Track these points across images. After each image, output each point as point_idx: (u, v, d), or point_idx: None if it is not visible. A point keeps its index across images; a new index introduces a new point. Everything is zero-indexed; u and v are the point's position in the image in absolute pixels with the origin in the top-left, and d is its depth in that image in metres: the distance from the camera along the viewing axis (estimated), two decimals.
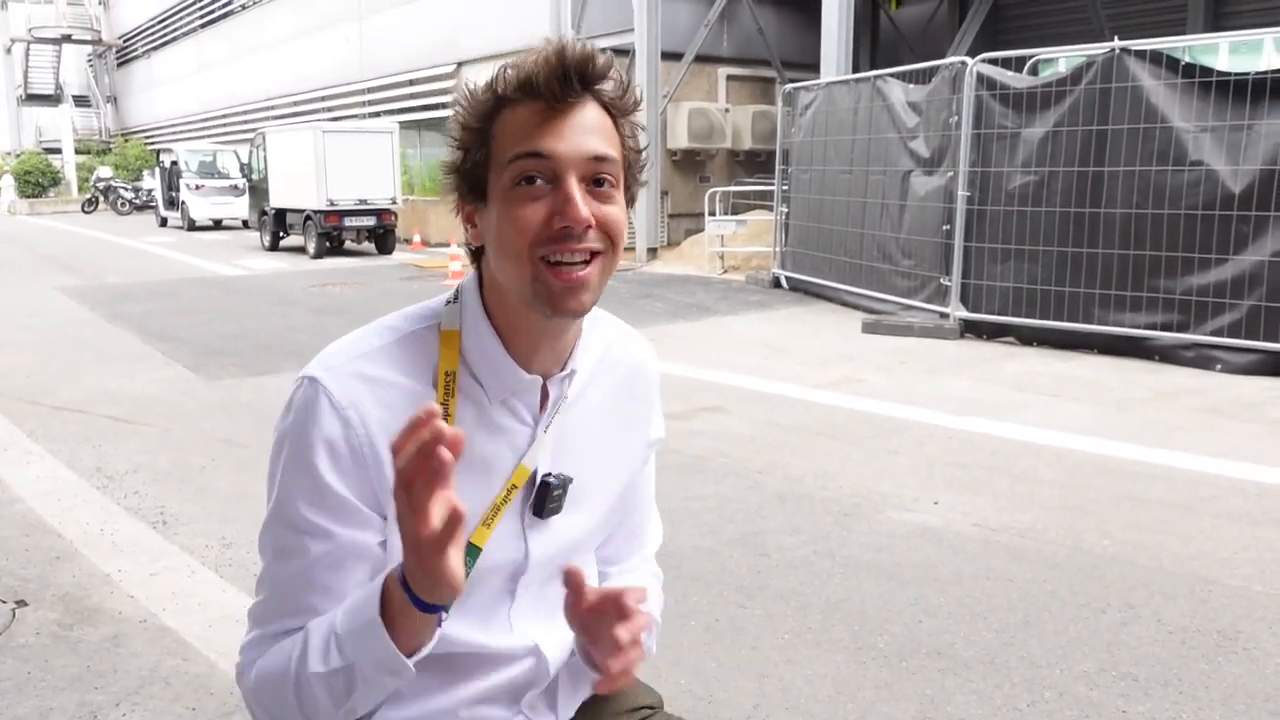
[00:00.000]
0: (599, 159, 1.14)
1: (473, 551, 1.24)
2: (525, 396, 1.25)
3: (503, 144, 1.14)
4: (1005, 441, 5.64)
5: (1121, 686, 2.98)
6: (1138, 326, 7.87)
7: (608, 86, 1.16)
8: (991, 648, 3.23)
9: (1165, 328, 7.72)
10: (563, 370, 1.26)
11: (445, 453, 0.92)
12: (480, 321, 1.22)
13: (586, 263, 1.14)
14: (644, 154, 1.23)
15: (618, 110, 1.18)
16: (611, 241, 1.16)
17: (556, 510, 1.27)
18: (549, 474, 1.26)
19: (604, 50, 1.18)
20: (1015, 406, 6.48)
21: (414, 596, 1.02)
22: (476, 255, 1.24)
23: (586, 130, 1.14)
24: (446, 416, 1.19)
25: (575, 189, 1.12)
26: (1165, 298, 7.70)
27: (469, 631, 1.26)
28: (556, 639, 1.33)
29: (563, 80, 1.11)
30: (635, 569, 1.50)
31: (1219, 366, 7.38)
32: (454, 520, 0.94)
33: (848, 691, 2.97)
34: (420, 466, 0.92)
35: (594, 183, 1.15)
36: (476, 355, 1.22)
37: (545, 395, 1.26)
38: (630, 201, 1.22)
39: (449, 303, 1.26)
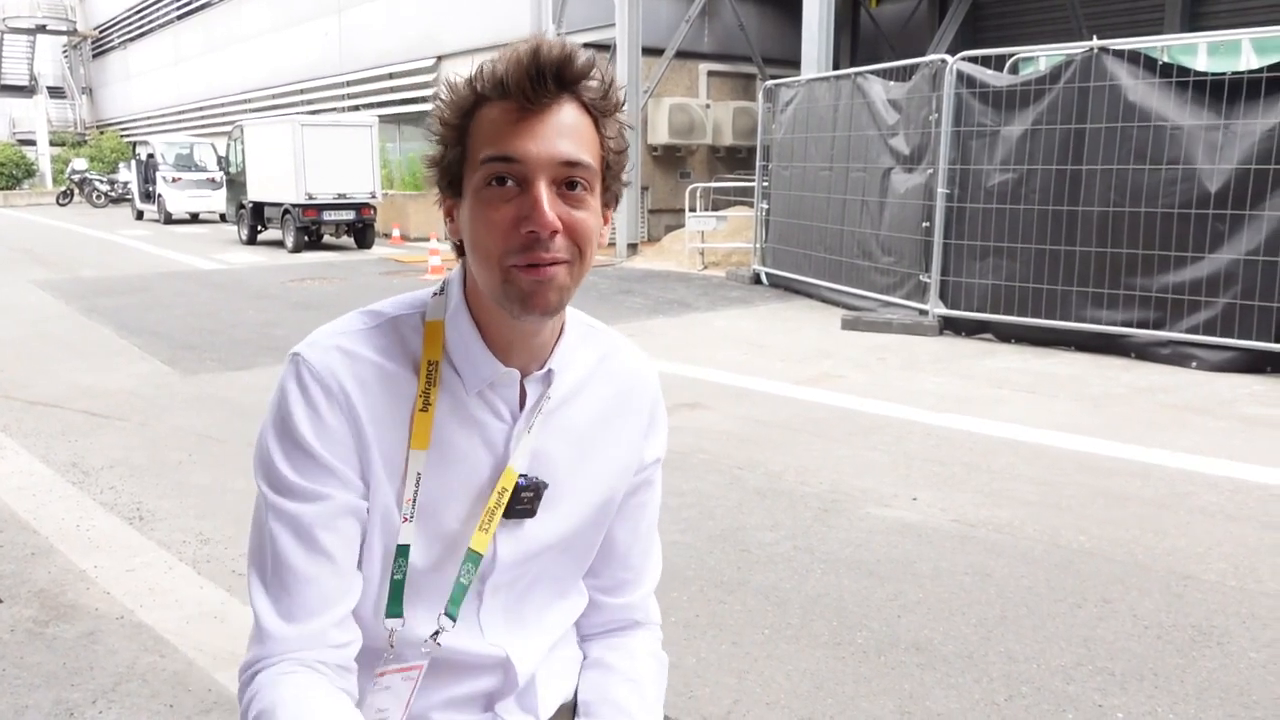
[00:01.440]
0: (571, 163, 1.12)
1: (473, 558, 1.24)
2: (503, 391, 1.25)
3: (477, 143, 1.14)
4: (983, 438, 5.68)
5: (1098, 681, 3.00)
6: (1115, 324, 7.93)
7: (590, 86, 1.14)
8: (970, 643, 3.25)
9: (1142, 325, 7.78)
10: (541, 369, 1.26)
11: None
12: (461, 313, 1.23)
13: (555, 263, 1.13)
14: (626, 154, 1.21)
15: (599, 110, 1.16)
16: (580, 250, 1.15)
17: (528, 514, 1.26)
18: (522, 475, 1.26)
19: (586, 46, 1.17)
20: (993, 403, 6.52)
21: None
22: (460, 248, 1.24)
23: (560, 133, 1.12)
24: (427, 405, 1.21)
25: (543, 194, 1.11)
26: (1142, 295, 7.76)
27: (419, 626, 1.26)
28: (528, 648, 1.33)
29: (535, 81, 1.10)
30: (635, 652, 1.44)
31: (1194, 364, 7.45)
32: None
33: (827, 687, 2.99)
34: None
35: (566, 186, 1.13)
36: (456, 346, 1.23)
37: (524, 394, 1.26)
38: (614, 201, 1.22)
39: (436, 294, 1.27)
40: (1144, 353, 7.78)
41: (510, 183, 1.12)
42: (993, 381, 7.20)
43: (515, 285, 1.13)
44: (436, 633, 1.25)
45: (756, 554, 4.01)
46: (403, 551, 1.22)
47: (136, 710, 2.82)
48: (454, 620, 1.25)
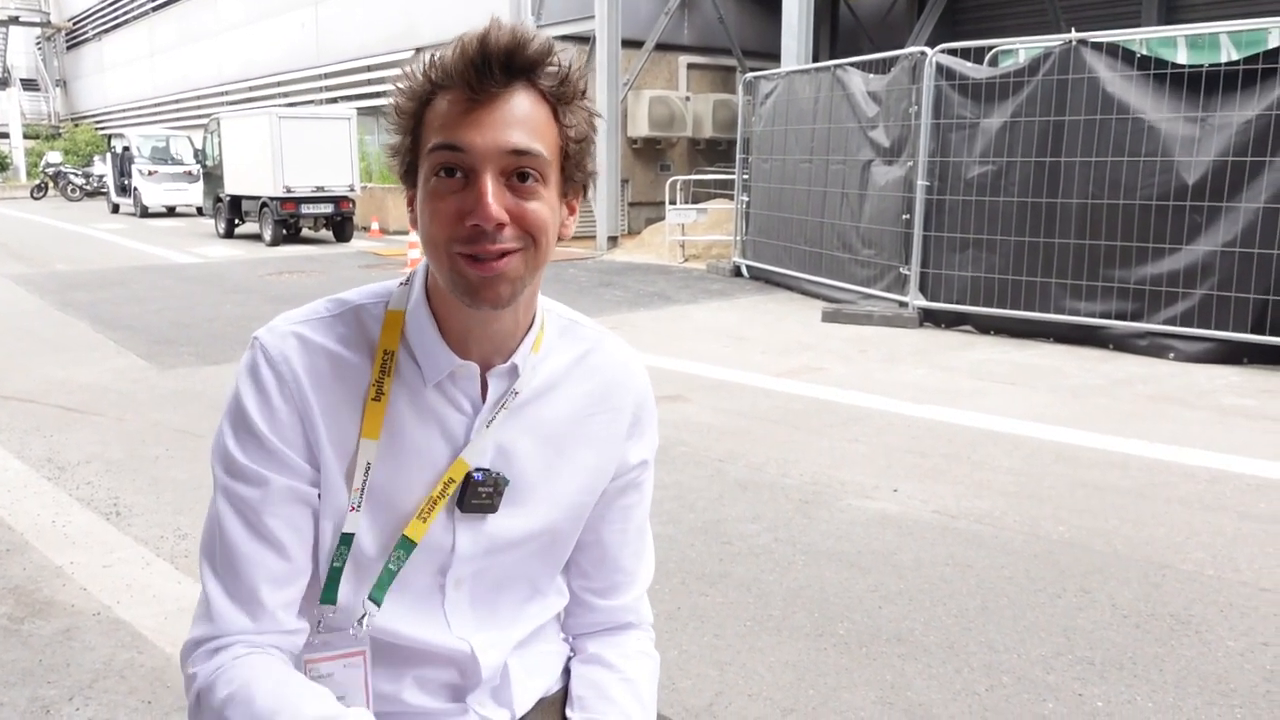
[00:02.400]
0: (519, 153, 1.09)
1: (405, 544, 1.23)
2: (463, 384, 1.23)
3: (427, 132, 1.12)
4: (963, 429, 5.70)
5: (1078, 670, 3.02)
6: (1093, 315, 7.98)
7: (546, 73, 1.11)
8: (951, 633, 3.26)
9: (1120, 316, 7.83)
10: (504, 363, 1.24)
11: None
12: (421, 304, 1.22)
13: (503, 254, 1.11)
14: (587, 142, 1.17)
15: (556, 98, 1.13)
16: (532, 238, 1.12)
17: (487, 508, 1.24)
18: (480, 469, 1.24)
19: (565, 39, 1.14)
20: (973, 394, 6.55)
21: None
22: None
23: (509, 123, 1.09)
24: (380, 395, 1.20)
25: (489, 186, 1.08)
26: (1120, 287, 7.81)
27: (406, 624, 1.26)
28: (495, 643, 1.31)
29: (480, 70, 1.08)
30: (630, 652, 1.43)
31: (1172, 355, 7.50)
32: None
33: (809, 678, 2.99)
34: None
35: (517, 177, 1.11)
36: (415, 336, 1.22)
37: (486, 386, 1.24)
38: (579, 191, 1.19)
39: (403, 284, 1.27)
40: (1122, 344, 7.83)
41: (458, 174, 1.10)
42: (972, 373, 7.22)
43: (463, 277, 1.12)
44: (362, 617, 1.24)
45: (738, 546, 4.01)
46: (345, 540, 1.22)
47: (114, 707, 2.80)
48: (378, 605, 1.24)
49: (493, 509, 1.25)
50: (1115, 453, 5.21)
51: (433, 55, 1.12)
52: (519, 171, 1.11)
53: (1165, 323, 7.56)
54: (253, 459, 1.18)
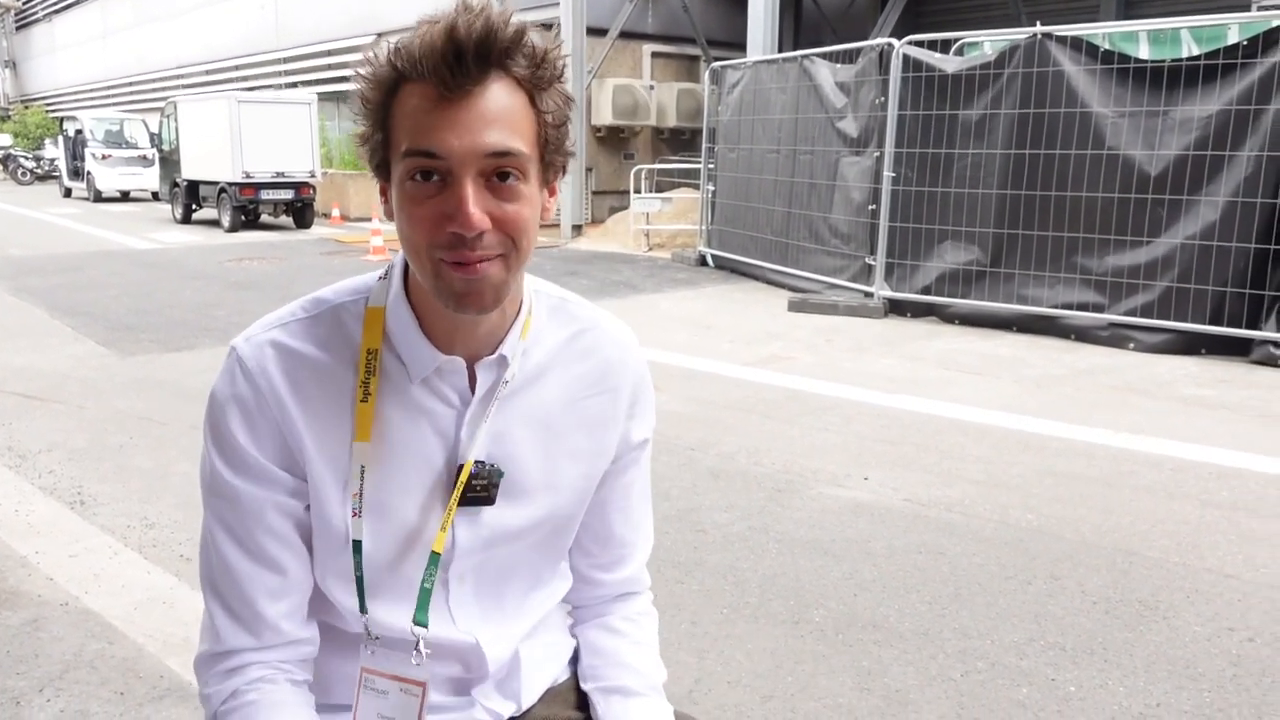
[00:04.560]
0: (500, 154, 1.03)
1: (434, 560, 1.22)
2: (450, 378, 1.19)
3: (398, 131, 1.05)
4: (932, 418, 5.75)
5: (1050, 655, 3.06)
6: (1055, 306, 8.08)
7: (520, 60, 1.04)
8: (925, 620, 3.29)
9: (1081, 307, 7.93)
10: (492, 354, 1.20)
11: None
12: (400, 300, 1.18)
13: (484, 260, 1.06)
14: (566, 126, 1.11)
15: (533, 85, 1.06)
16: (514, 241, 1.07)
17: (483, 501, 1.22)
18: (477, 461, 1.21)
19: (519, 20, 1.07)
20: (940, 384, 6.61)
21: None
22: None
23: (486, 121, 1.02)
24: (367, 395, 1.17)
25: (469, 193, 1.02)
26: (1082, 278, 7.91)
27: (408, 620, 1.23)
28: (501, 636, 1.30)
29: (455, 64, 1.00)
30: (636, 617, 1.44)
31: (1132, 345, 7.61)
32: None
33: (786, 665, 3.00)
34: None
35: (497, 177, 1.05)
36: (397, 334, 1.18)
37: (474, 378, 1.21)
38: (558, 174, 1.14)
39: (381, 278, 1.22)
40: (1084, 334, 7.93)
41: (435, 177, 1.04)
42: (938, 363, 7.29)
43: (446, 282, 1.07)
44: (417, 644, 1.23)
45: (712, 534, 4.02)
46: (356, 547, 1.19)
47: (86, 698, 2.75)
48: (425, 627, 1.23)
49: (489, 501, 1.22)
50: (1081, 442, 5.28)
51: (396, 42, 1.04)
52: (499, 172, 1.05)
53: (1126, 313, 7.67)
54: (236, 475, 1.16)
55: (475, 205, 1.03)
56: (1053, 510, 4.30)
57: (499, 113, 1.03)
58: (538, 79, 1.06)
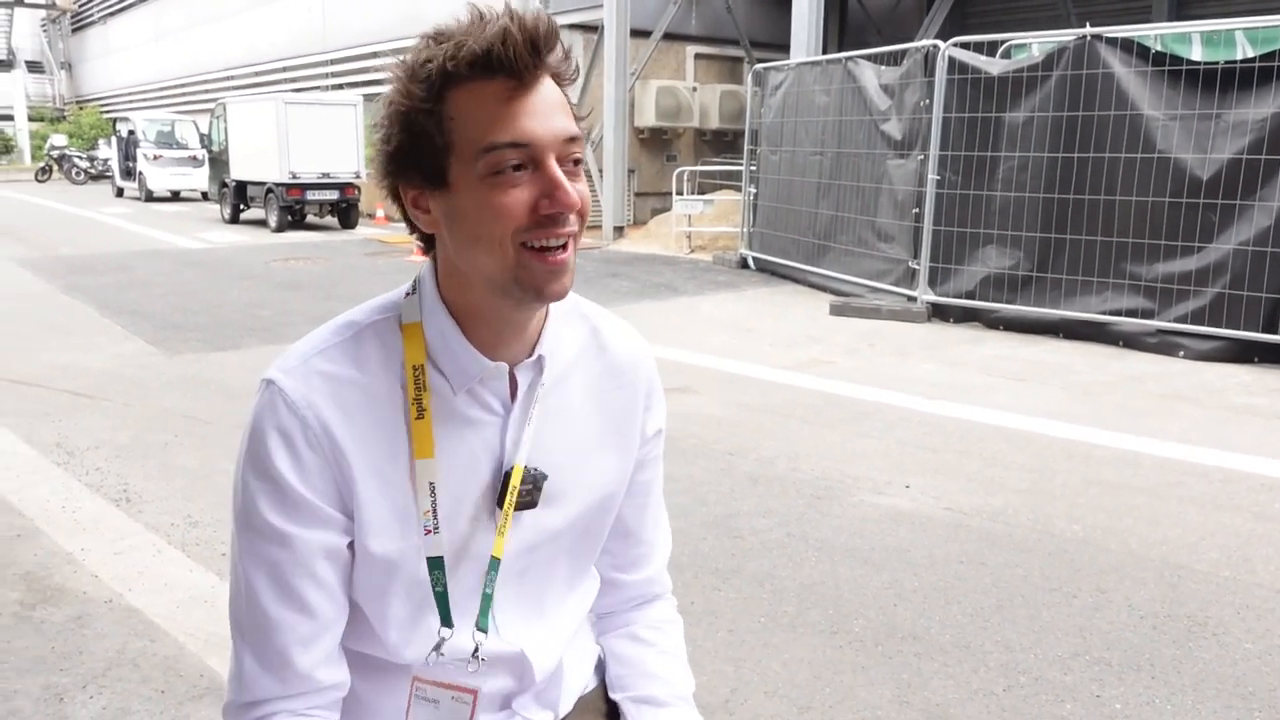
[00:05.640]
0: (572, 139, 1.09)
1: (495, 565, 1.21)
2: (492, 384, 1.19)
3: (468, 130, 1.05)
4: (974, 425, 5.67)
5: (1095, 671, 3.00)
6: (1103, 312, 7.95)
7: (558, 55, 1.09)
8: (966, 632, 3.24)
9: (1130, 314, 7.80)
10: (530, 357, 1.20)
11: None
12: (438, 311, 1.17)
13: (565, 246, 1.09)
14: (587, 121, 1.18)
15: (563, 80, 1.11)
16: (581, 220, 1.12)
17: (528, 505, 1.21)
18: (518, 466, 1.20)
19: (574, 28, 1.11)
20: (983, 390, 6.52)
21: None
22: (428, 242, 1.17)
23: (554, 109, 1.07)
24: (422, 411, 1.15)
25: (559, 172, 1.07)
26: (1131, 284, 7.77)
27: (456, 635, 1.22)
28: (544, 641, 1.29)
29: (530, 57, 1.04)
30: (661, 624, 1.44)
31: (1182, 353, 7.47)
32: None
33: (825, 675, 2.97)
34: None
35: (572, 162, 1.10)
36: (437, 346, 1.16)
37: (514, 383, 1.21)
38: None
39: (408, 294, 1.20)
40: (1132, 341, 7.79)
41: (520, 168, 1.06)
42: (982, 369, 7.20)
43: (530, 273, 1.08)
44: (475, 651, 1.22)
45: (750, 541, 4.00)
46: (436, 563, 1.18)
47: (127, 695, 2.79)
48: (485, 633, 1.22)
49: (533, 505, 1.22)
50: (1128, 451, 5.19)
51: (443, 48, 1.05)
52: (573, 158, 1.10)
53: (1176, 320, 7.53)
54: (280, 516, 1.12)
55: (569, 184, 1.07)
56: (1098, 521, 4.22)
57: (560, 101, 1.09)
58: (568, 74, 1.11)
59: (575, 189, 1.08)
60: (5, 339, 7.90)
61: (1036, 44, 8.99)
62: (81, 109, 44.09)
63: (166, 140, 26.61)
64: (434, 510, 1.16)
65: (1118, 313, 7.86)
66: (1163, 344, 7.61)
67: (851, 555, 3.86)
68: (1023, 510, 4.34)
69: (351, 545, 1.17)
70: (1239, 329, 7.21)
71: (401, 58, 1.09)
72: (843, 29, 18.83)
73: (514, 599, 1.27)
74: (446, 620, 1.20)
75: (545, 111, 1.06)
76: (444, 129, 1.06)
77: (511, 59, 1.04)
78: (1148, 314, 7.70)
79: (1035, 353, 7.74)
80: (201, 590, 3.49)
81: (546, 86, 1.08)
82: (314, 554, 1.14)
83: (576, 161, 1.10)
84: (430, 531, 1.17)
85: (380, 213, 20.09)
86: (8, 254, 13.77)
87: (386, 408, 1.16)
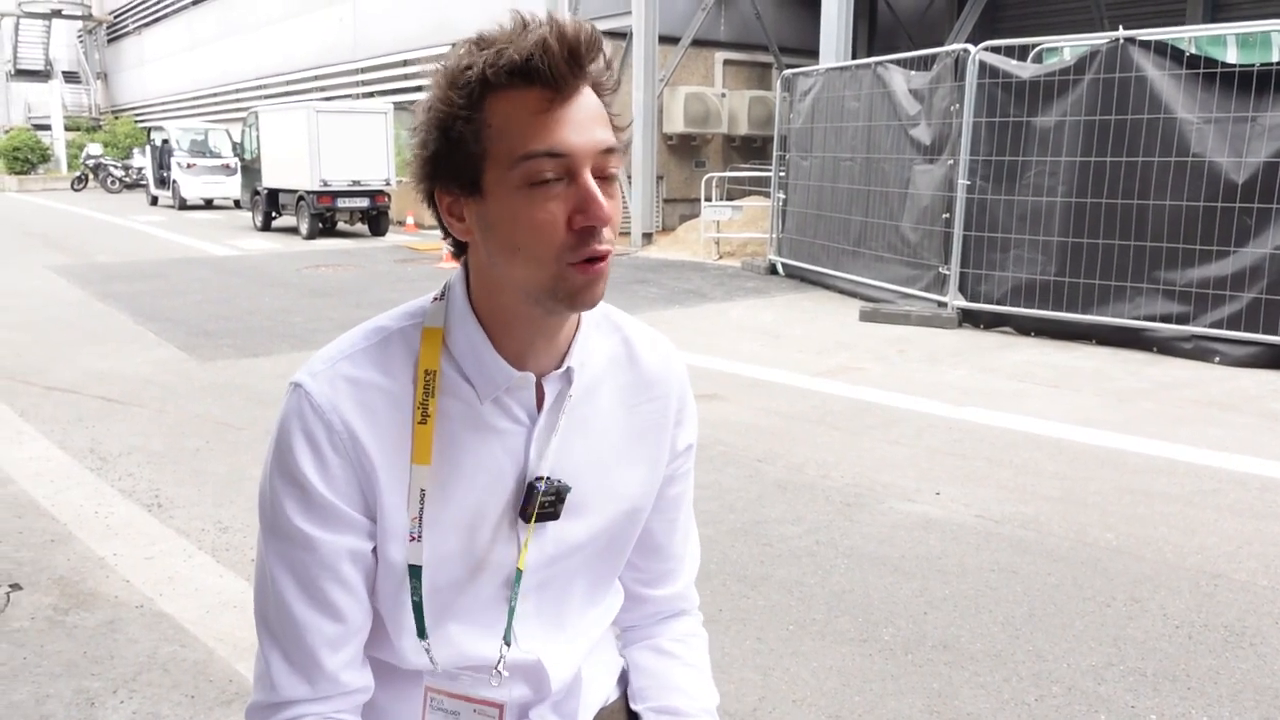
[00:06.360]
0: (609, 151, 1.07)
1: (519, 577, 1.21)
2: (518, 394, 1.18)
3: (505, 138, 1.04)
4: (1005, 432, 5.62)
5: (1130, 681, 2.96)
6: (1136, 317, 7.85)
7: (598, 65, 1.07)
8: (998, 641, 3.21)
9: (1164, 319, 7.70)
10: (559, 368, 1.19)
11: None
12: (467, 318, 1.15)
13: (606, 254, 1.08)
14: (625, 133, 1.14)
15: (604, 90, 1.09)
16: (611, 232, 1.09)
17: (550, 517, 1.20)
18: (541, 478, 1.19)
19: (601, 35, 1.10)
20: (1014, 397, 6.46)
21: None
22: (460, 248, 1.16)
23: (593, 120, 1.06)
24: (426, 417, 1.14)
25: (594, 186, 1.05)
26: (1165, 289, 7.68)
27: (474, 644, 1.22)
28: (562, 653, 1.28)
29: (571, 66, 1.02)
30: (686, 638, 1.43)
31: (1217, 359, 7.37)
32: None
33: (854, 684, 2.95)
34: None
35: (604, 176, 1.07)
36: (464, 353, 1.16)
37: (541, 394, 1.19)
38: None
39: (436, 299, 1.20)
40: (1166, 347, 7.69)
41: (554, 179, 1.05)
42: (1013, 375, 7.13)
43: (568, 282, 1.07)
44: (498, 664, 1.21)
45: (779, 548, 3.97)
46: (414, 573, 1.17)
47: (158, 700, 2.80)
48: (508, 645, 1.22)
49: (555, 517, 1.21)
50: (1162, 458, 5.12)
51: (482, 56, 1.04)
52: (606, 172, 1.07)
53: (1211, 326, 7.43)
54: (306, 519, 1.13)
55: (604, 198, 1.05)
56: (1132, 529, 4.16)
57: (599, 111, 1.07)
58: (610, 85, 1.10)
59: (608, 203, 1.07)
60: (42, 346, 8.00)
61: (1068, 47, 8.91)
62: (116, 118, 44.63)
63: (200, 149, 26.91)
64: (419, 518, 1.15)
65: (1152, 318, 7.77)
66: (1198, 350, 7.51)
67: (881, 563, 3.82)
68: (1055, 518, 4.29)
69: (375, 550, 1.17)
70: (1276, 334, 7.10)
71: (443, 63, 1.08)
72: (872, 33, 18.75)
73: (533, 611, 1.26)
74: (421, 632, 1.20)
75: (583, 123, 1.05)
76: (481, 136, 1.05)
77: (549, 69, 1.02)
78: (1182, 319, 7.60)
79: (1067, 359, 7.66)
80: (231, 595, 3.51)
81: (585, 97, 1.06)
82: (339, 557, 1.14)
83: (608, 175, 1.08)
84: (414, 539, 1.16)
85: (410, 220, 20.22)
86: (45, 262, 13.96)
87: (404, 412, 1.15)
